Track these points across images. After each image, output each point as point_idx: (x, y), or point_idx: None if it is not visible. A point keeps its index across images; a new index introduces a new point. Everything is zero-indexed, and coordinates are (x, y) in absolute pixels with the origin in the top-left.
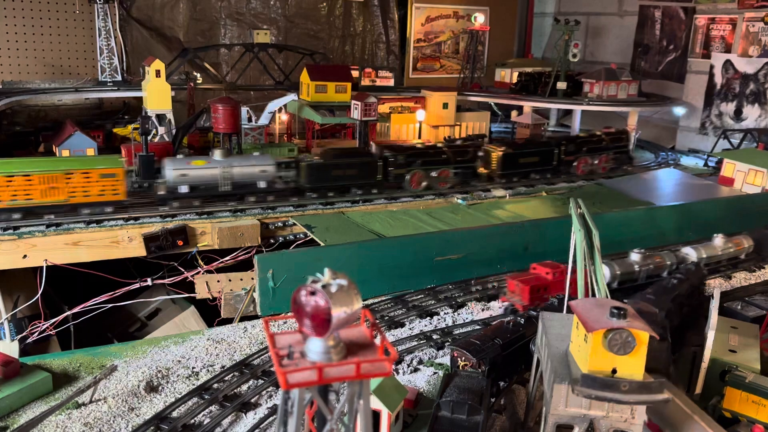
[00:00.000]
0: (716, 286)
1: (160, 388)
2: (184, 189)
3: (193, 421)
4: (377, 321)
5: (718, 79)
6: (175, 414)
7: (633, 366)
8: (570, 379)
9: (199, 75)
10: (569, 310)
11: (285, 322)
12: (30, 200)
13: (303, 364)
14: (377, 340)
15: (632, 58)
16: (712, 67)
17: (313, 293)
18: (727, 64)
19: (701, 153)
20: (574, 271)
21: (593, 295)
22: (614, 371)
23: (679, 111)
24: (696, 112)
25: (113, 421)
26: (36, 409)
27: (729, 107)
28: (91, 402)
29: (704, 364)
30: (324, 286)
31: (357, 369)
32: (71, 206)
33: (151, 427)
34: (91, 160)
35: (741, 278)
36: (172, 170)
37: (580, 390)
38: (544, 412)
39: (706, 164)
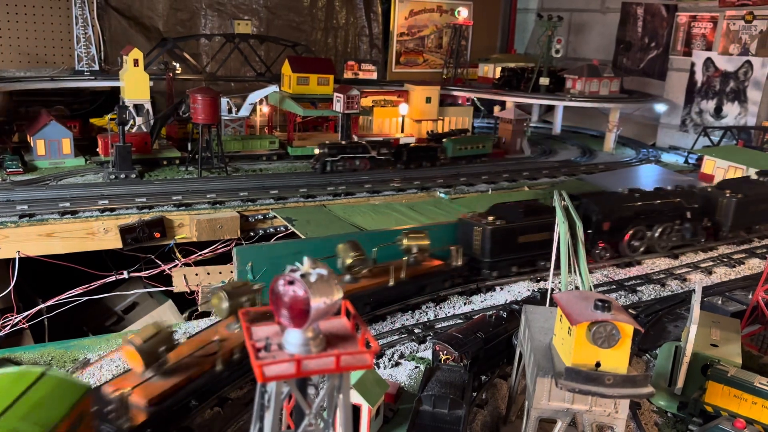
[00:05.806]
0: (698, 281)
1: None
2: None
3: None
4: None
5: (699, 77)
6: None
7: (617, 359)
8: (553, 373)
9: (178, 65)
10: (552, 303)
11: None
12: None
13: (280, 357)
14: (358, 333)
15: (614, 55)
16: (693, 64)
17: (291, 282)
18: (708, 61)
19: (682, 150)
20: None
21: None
22: (598, 365)
23: (660, 108)
24: (677, 109)
25: None
26: None
27: (709, 105)
28: None
29: (686, 359)
30: (303, 276)
31: (337, 361)
32: None
33: None
34: None
35: (722, 273)
36: None
37: (564, 383)
38: (527, 406)
39: (686, 161)
